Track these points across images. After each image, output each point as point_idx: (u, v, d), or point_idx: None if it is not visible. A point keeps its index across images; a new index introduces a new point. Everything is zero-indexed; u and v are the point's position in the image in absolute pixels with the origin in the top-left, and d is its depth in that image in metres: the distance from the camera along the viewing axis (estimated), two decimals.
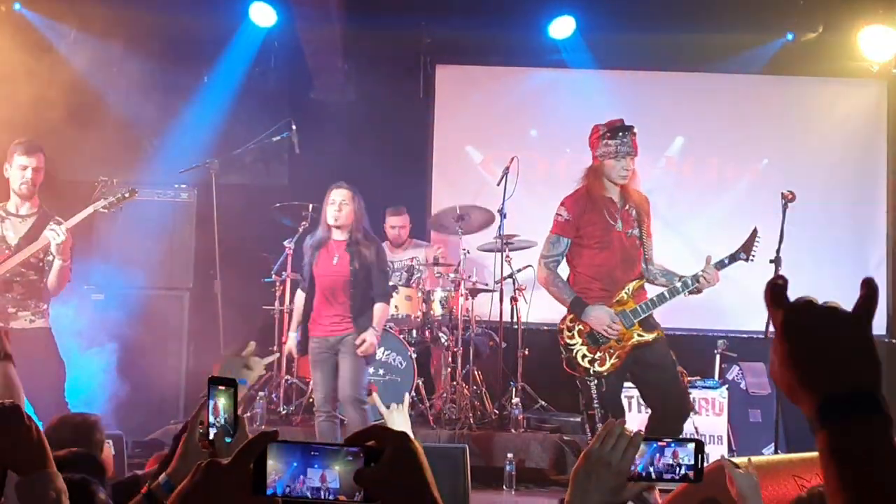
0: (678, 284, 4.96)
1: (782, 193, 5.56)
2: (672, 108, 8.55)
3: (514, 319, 7.10)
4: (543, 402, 7.32)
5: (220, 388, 2.05)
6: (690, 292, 4.99)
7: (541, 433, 6.55)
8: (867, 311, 1.15)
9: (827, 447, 1.10)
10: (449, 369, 6.95)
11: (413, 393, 6.63)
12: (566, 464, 6.22)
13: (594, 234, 5.03)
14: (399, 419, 2.99)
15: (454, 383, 6.80)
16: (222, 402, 2.06)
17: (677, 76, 8.77)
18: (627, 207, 5.12)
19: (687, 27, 7.99)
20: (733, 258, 5.01)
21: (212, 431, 2.05)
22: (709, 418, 6.25)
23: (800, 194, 5.59)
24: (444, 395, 6.87)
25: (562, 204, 5.14)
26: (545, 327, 7.81)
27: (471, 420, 6.57)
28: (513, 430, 6.51)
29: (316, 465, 1.28)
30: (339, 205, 5.77)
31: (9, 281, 5.36)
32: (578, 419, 6.90)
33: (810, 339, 1.14)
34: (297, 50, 8.04)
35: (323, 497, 1.29)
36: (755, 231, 4.99)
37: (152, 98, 7.81)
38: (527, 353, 7.00)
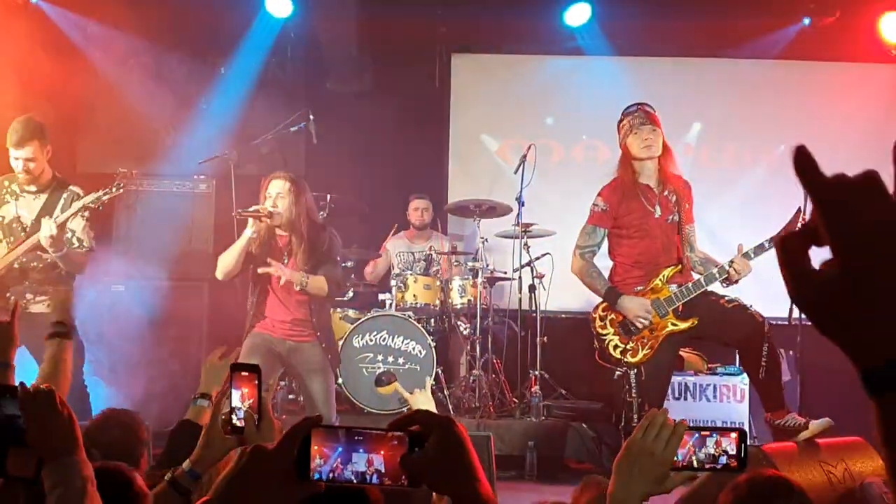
0: (715, 271, 4.92)
1: None
2: (689, 95, 8.52)
3: (533, 307, 7.09)
4: (563, 391, 7.32)
5: (244, 374, 2.07)
6: (724, 282, 4.93)
7: (561, 421, 6.54)
8: None
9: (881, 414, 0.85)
10: (468, 358, 6.95)
11: (433, 381, 6.63)
12: (587, 452, 6.22)
13: (633, 223, 5.01)
14: (424, 402, 3.01)
15: (473, 372, 6.80)
16: (246, 388, 2.07)
17: (694, 62, 8.73)
18: (666, 193, 5.09)
19: (703, 13, 7.95)
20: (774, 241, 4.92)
21: (235, 417, 2.06)
22: (730, 405, 6.23)
23: None
24: (464, 383, 6.88)
25: (599, 194, 5.13)
26: (564, 315, 7.83)
27: (491, 408, 6.58)
28: (533, 419, 6.51)
29: (361, 450, 1.29)
30: (274, 199, 5.24)
31: (25, 268, 5.24)
32: (599, 406, 6.91)
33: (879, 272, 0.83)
34: (314, 40, 8.05)
35: (368, 481, 1.29)
36: (799, 211, 4.86)
37: (170, 90, 7.83)
38: (545, 341, 6.99)
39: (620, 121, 5.15)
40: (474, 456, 1.30)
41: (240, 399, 2.07)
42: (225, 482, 1.32)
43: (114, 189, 5.26)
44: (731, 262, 4.85)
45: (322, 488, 1.31)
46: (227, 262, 5.24)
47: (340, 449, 1.30)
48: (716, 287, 5.05)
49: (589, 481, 2.99)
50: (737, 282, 4.93)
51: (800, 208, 4.89)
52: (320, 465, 1.30)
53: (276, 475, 1.30)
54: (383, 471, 1.29)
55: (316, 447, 1.30)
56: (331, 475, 1.30)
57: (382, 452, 1.29)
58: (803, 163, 0.86)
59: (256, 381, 2.08)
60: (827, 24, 8.15)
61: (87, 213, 5.33)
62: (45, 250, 5.19)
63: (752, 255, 4.87)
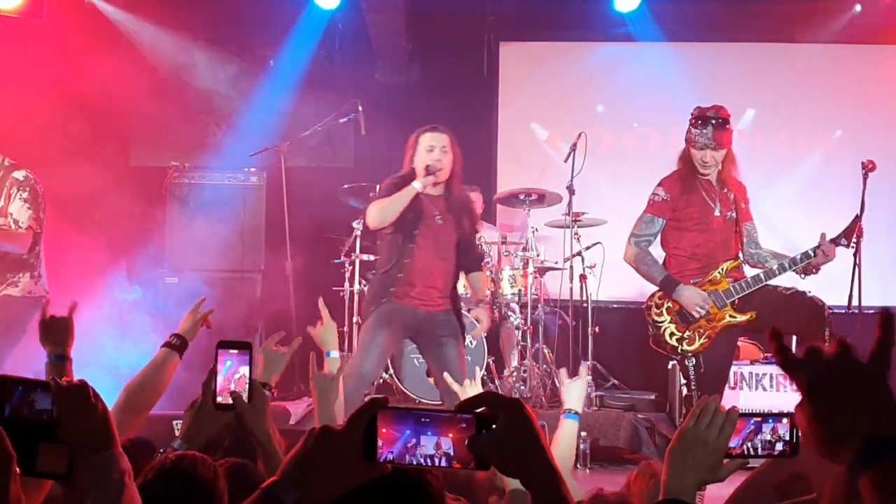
0: (775, 267, 4.85)
1: (862, 163, 5.41)
2: (742, 80, 8.38)
3: (584, 297, 7.04)
4: (615, 381, 7.27)
5: (232, 350, 2.07)
6: (804, 270, 4.85)
7: (614, 411, 6.49)
8: (884, 359, 1.19)
9: (873, 488, 1.14)
10: (519, 348, 6.92)
11: (484, 371, 6.61)
12: (640, 442, 6.17)
13: (693, 216, 4.96)
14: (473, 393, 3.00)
15: (524, 362, 6.78)
16: (236, 364, 2.07)
17: (746, 47, 8.59)
18: (725, 191, 5.05)
19: None
20: (836, 241, 4.85)
21: (225, 393, 2.07)
22: (786, 395, 6.13)
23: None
24: (515, 373, 6.85)
25: (659, 184, 5.07)
26: (615, 305, 7.77)
27: (543, 398, 6.55)
28: (585, 409, 6.45)
29: (430, 433, 1.28)
30: (437, 152, 4.89)
31: None
32: (652, 396, 6.86)
33: (835, 401, 1.20)
34: (361, 31, 8.04)
35: (437, 464, 1.28)
36: (857, 218, 4.85)
37: (219, 83, 7.89)
38: (597, 331, 6.94)
39: (691, 121, 4.97)
40: (543, 437, 1.28)
41: (229, 375, 2.07)
42: (292, 463, 1.31)
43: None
44: (819, 245, 4.76)
45: (389, 470, 1.30)
46: (389, 211, 4.90)
47: (409, 431, 1.28)
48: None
49: (645, 469, 2.96)
50: (817, 270, 4.83)
51: (857, 216, 4.85)
52: (388, 448, 1.29)
53: (343, 456, 1.29)
54: (452, 454, 1.27)
55: (383, 429, 1.29)
56: (398, 457, 1.29)
57: (451, 435, 1.27)
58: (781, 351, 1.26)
59: (247, 357, 2.08)
60: (881, 7, 7.98)
61: (25, 194, 5.14)
62: None
63: (842, 243, 4.80)
